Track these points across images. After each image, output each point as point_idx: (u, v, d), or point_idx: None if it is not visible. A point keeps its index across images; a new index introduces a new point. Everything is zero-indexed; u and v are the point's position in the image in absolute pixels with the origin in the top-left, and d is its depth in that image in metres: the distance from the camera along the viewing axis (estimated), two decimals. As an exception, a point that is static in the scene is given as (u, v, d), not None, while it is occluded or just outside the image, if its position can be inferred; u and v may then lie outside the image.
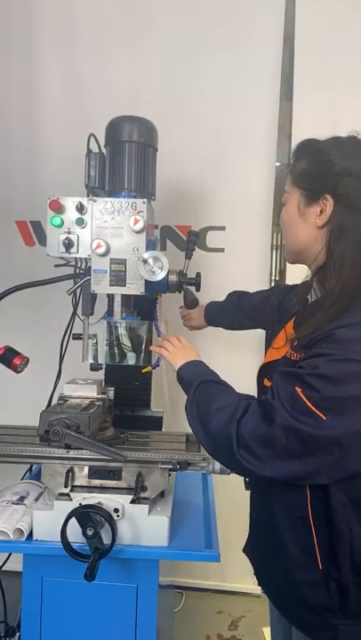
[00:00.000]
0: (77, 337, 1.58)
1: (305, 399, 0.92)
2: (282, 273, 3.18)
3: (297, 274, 1.30)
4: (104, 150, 1.53)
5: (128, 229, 1.40)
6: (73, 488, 1.36)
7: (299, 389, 0.93)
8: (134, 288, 1.42)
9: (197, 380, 1.15)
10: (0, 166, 2.39)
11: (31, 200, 2.36)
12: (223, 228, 2.34)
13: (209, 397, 1.09)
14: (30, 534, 1.35)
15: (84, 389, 1.45)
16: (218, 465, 1.34)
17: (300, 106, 2.23)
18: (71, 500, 1.34)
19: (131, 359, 1.63)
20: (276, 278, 3.24)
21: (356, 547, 1.03)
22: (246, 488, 1.28)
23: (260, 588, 2.53)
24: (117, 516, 1.31)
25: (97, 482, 1.37)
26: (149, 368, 1.61)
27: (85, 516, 1.23)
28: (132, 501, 1.33)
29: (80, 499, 1.33)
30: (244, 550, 1.32)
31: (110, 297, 1.51)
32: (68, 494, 1.35)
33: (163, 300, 1.68)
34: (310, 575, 1.07)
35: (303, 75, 2.22)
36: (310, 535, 1.06)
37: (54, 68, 2.31)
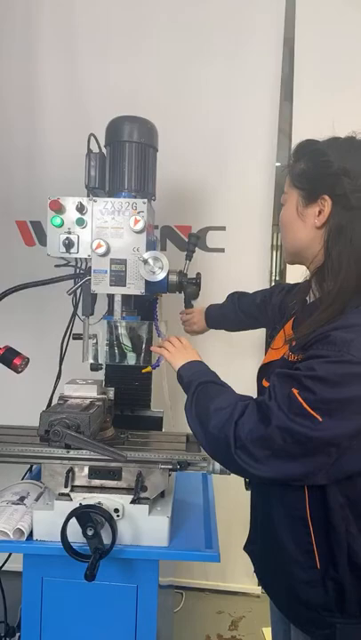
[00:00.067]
0: (77, 337, 1.58)
1: (301, 401, 0.92)
2: (282, 273, 3.18)
3: (297, 274, 1.30)
4: (104, 150, 1.54)
5: (128, 229, 1.40)
6: (73, 488, 1.36)
7: (295, 391, 0.94)
8: (134, 288, 1.42)
9: (197, 381, 1.15)
10: (0, 166, 2.39)
11: (31, 200, 2.36)
12: (223, 228, 2.34)
13: (207, 398, 1.09)
14: (30, 534, 1.35)
15: (85, 389, 1.45)
16: (218, 465, 1.34)
17: (300, 106, 2.23)
18: (71, 500, 1.34)
19: (131, 359, 1.63)
20: (277, 278, 3.24)
21: (353, 547, 1.04)
22: (246, 488, 1.28)
23: (260, 588, 2.56)
24: (117, 516, 1.31)
25: (97, 482, 1.37)
26: (149, 368, 1.61)
27: (85, 515, 1.23)
28: (133, 501, 1.33)
29: (80, 499, 1.33)
30: (244, 548, 1.33)
31: (110, 297, 1.51)
32: (68, 494, 1.35)
33: (163, 300, 1.68)
34: (308, 574, 1.07)
35: (303, 75, 2.22)
36: (308, 535, 1.07)
37: (54, 67, 2.31)
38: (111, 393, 1.52)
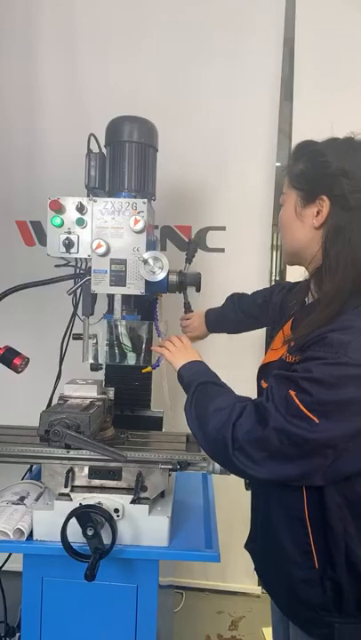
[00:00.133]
0: (77, 337, 1.58)
1: (298, 402, 0.93)
2: (282, 273, 3.18)
3: (297, 274, 1.30)
4: (104, 150, 1.54)
5: (128, 229, 1.40)
6: (73, 488, 1.36)
7: (292, 393, 0.94)
8: (134, 288, 1.42)
9: (196, 381, 1.16)
10: (0, 166, 2.39)
11: (31, 200, 2.36)
12: (223, 228, 2.34)
13: (206, 399, 1.10)
14: (30, 534, 1.35)
15: (85, 389, 1.45)
16: (218, 465, 1.34)
17: (300, 106, 2.23)
18: (71, 500, 1.34)
19: (131, 359, 1.63)
20: (277, 278, 3.24)
21: (351, 547, 1.04)
22: (247, 488, 1.28)
23: (260, 587, 2.56)
24: (117, 516, 1.31)
25: (97, 482, 1.37)
26: (149, 368, 1.61)
27: (85, 516, 1.23)
28: (133, 501, 1.33)
29: (80, 499, 1.33)
30: (245, 546, 1.33)
31: (110, 296, 1.51)
32: (68, 494, 1.35)
33: (163, 300, 1.68)
34: (307, 573, 1.08)
35: (303, 75, 2.22)
36: (307, 535, 1.07)
37: (54, 67, 2.31)
38: (111, 393, 1.52)
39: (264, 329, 2.35)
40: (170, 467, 1.35)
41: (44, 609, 1.37)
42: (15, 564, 1.54)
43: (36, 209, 2.32)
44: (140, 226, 1.38)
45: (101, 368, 1.65)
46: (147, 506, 1.34)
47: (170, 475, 1.41)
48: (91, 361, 1.60)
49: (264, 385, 1.21)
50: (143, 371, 1.62)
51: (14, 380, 1.49)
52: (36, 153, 2.36)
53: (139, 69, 2.27)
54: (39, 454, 1.37)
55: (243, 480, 1.23)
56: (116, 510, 1.31)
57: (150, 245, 1.44)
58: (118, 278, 1.41)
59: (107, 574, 1.29)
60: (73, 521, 1.23)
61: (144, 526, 1.33)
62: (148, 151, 1.50)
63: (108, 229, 1.41)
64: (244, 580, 2.52)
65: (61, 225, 1.43)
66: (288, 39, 2.22)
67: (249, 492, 1.30)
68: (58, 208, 1.41)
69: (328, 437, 0.92)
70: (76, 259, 1.51)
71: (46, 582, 1.37)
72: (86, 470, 1.36)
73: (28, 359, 1.45)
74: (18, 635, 1.68)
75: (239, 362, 2.19)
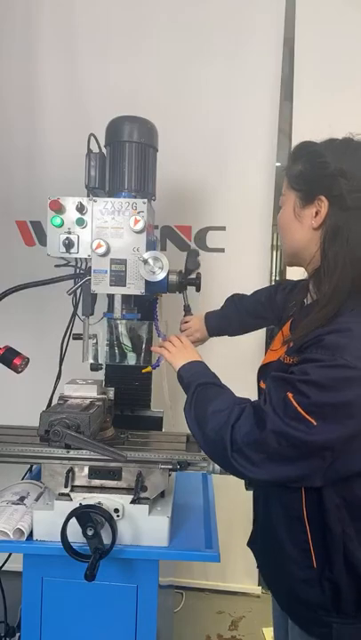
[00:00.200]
0: (77, 337, 1.58)
1: (296, 405, 0.93)
2: (282, 273, 3.18)
3: (297, 274, 1.30)
4: (104, 150, 1.54)
5: (128, 229, 1.40)
6: (73, 488, 1.36)
7: (290, 395, 0.94)
8: (134, 288, 1.42)
9: (195, 382, 1.16)
10: (0, 166, 2.40)
11: (31, 200, 2.36)
12: (223, 228, 2.34)
13: (206, 400, 1.10)
14: (30, 534, 1.35)
15: (84, 389, 1.45)
16: (218, 465, 1.34)
17: (300, 106, 2.23)
18: (71, 500, 1.34)
19: (131, 359, 1.63)
20: (276, 278, 3.25)
21: (349, 547, 1.04)
22: (247, 488, 1.29)
23: (260, 587, 2.56)
24: (117, 516, 1.31)
25: (97, 482, 1.37)
26: (149, 368, 1.61)
27: (85, 515, 1.23)
28: (133, 501, 1.33)
29: (80, 499, 1.33)
30: (248, 544, 1.34)
31: (110, 296, 1.51)
32: (68, 494, 1.35)
33: (163, 300, 1.68)
34: (305, 573, 1.08)
35: (303, 75, 2.22)
36: (305, 535, 1.07)
37: (54, 67, 2.31)
38: (111, 393, 1.52)
39: (264, 329, 2.36)
40: (170, 467, 1.35)
41: (44, 609, 1.37)
42: (15, 563, 1.54)
43: (36, 209, 2.32)
44: (140, 226, 1.38)
45: (101, 368, 1.65)
46: (147, 506, 1.34)
47: (170, 475, 1.41)
48: (91, 361, 1.60)
49: (263, 386, 1.21)
50: (143, 371, 1.62)
51: (14, 379, 1.49)
52: (36, 153, 2.36)
53: (139, 69, 2.27)
54: (39, 454, 1.37)
55: (243, 480, 1.23)
56: (116, 510, 1.31)
57: (150, 245, 1.44)
58: (118, 278, 1.41)
59: (107, 574, 1.29)
60: (73, 521, 1.23)
61: (144, 526, 1.33)
62: (148, 151, 1.50)
63: (108, 229, 1.41)
64: (244, 580, 2.52)
65: (61, 225, 1.43)
66: (288, 39, 2.22)
67: (249, 492, 1.30)
68: (58, 208, 1.41)
69: (326, 439, 0.93)
70: (76, 259, 1.51)
71: (46, 582, 1.37)
72: (86, 470, 1.36)
73: (28, 359, 1.45)
74: (18, 635, 1.68)
75: (239, 362, 2.19)
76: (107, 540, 1.25)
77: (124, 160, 1.48)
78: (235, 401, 1.08)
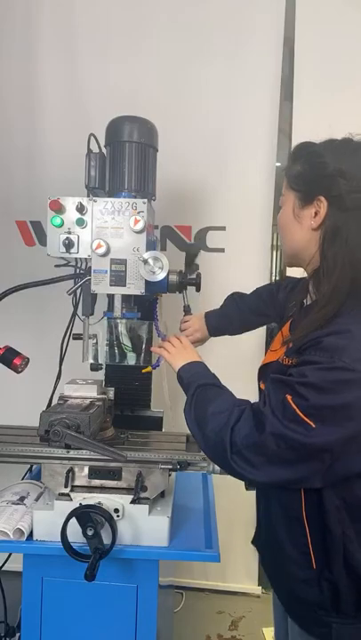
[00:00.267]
0: (77, 337, 1.58)
1: (295, 407, 0.93)
2: (282, 273, 3.18)
3: (297, 274, 1.31)
4: (104, 150, 1.54)
5: (128, 229, 1.40)
6: (73, 488, 1.36)
7: (289, 397, 0.94)
8: (134, 288, 1.42)
9: (195, 383, 1.16)
10: (0, 166, 2.39)
11: (31, 200, 2.36)
12: (223, 228, 2.35)
13: (206, 401, 1.10)
14: (30, 534, 1.35)
15: (85, 389, 1.45)
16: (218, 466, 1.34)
17: (300, 106, 2.24)
18: (71, 500, 1.34)
19: (131, 359, 1.63)
20: (276, 278, 3.24)
21: (350, 549, 1.04)
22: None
23: (260, 587, 2.56)
24: (117, 516, 1.31)
25: (97, 482, 1.37)
26: (149, 368, 1.61)
27: (85, 516, 1.23)
28: (133, 501, 1.33)
29: (80, 499, 1.33)
30: (252, 542, 1.34)
31: (110, 296, 1.51)
32: (68, 494, 1.35)
33: (163, 300, 1.68)
34: (305, 573, 1.08)
35: (303, 75, 2.22)
36: (305, 535, 1.08)
37: (54, 67, 2.31)
38: (111, 393, 1.52)
39: (264, 329, 2.36)
40: (170, 467, 1.35)
41: (44, 609, 1.37)
42: (15, 563, 1.54)
43: (36, 209, 2.32)
44: (140, 226, 1.38)
45: (101, 368, 1.65)
46: (147, 506, 1.34)
47: (170, 475, 1.41)
48: (91, 361, 1.60)
49: (262, 386, 1.21)
50: (143, 371, 1.62)
51: (14, 379, 1.49)
52: (36, 153, 2.36)
53: (139, 69, 2.27)
54: (39, 454, 1.37)
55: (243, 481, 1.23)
56: (116, 510, 1.31)
57: (150, 245, 1.44)
58: (118, 278, 1.41)
59: (107, 574, 1.29)
60: (73, 521, 1.23)
61: (144, 526, 1.33)
62: (148, 151, 1.50)
63: (108, 229, 1.41)
64: (244, 580, 2.52)
65: (61, 225, 1.43)
66: (288, 39, 2.23)
67: (249, 492, 1.30)
68: (58, 208, 1.41)
69: (325, 442, 0.93)
70: (76, 259, 1.51)
71: (46, 582, 1.37)
72: (86, 470, 1.36)
73: (28, 359, 1.45)
74: (18, 635, 1.68)
75: (239, 362, 2.19)
76: (107, 540, 1.24)
77: (124, 160, 1.48)
78: (234, 403, 1.08)
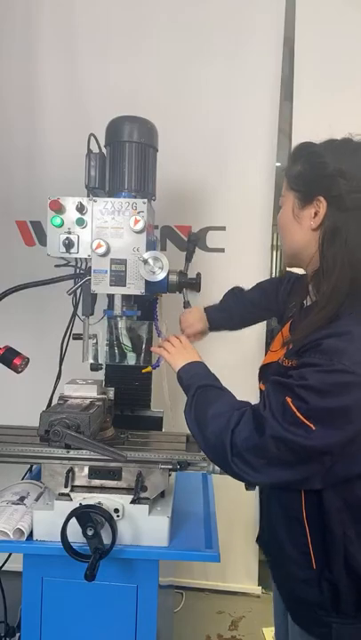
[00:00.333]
0: (77, 337, 1.58)
1: (295, 409, 0.93)
2: (282, 273, 3.18)
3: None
4: (104, 150, 1.53)
5: (128, 229, 1.40)
6: (73, 488, 1.36)
7: (289, 399, 0.95)
8: (134, 288, 1.42)
9: (195, 384, 1.16)
10: (0, 166, 2.40)
11: (31, 200, 2.36)
12: (223, 228, 2.35)
13: (206, 403, 1.10)
14: (30, 534, 1.35)
15: (85, 389, 1.45)
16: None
17: (300, 106, 2.24)
18: (71, 500, 1.34)
19: (131, 359, 1.64)
20: (277, 278, 3.25)
21: (350, 550, 1.04)
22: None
23: (260, 587, 2.55)
24: (117, 516, 1.31)
25: (97, 482, 1.36)
26: (149, 368, 1.61)
27: (85, 516, 1.23)
28: (133, 501, 1.33)
29: (80, 499, 1.33)
30: (256, 540, 1.34)
31: (110, 295, 1.51)
32: (68, 494, 1.35)
33: (163, 300, 1.68)
34: (305, 573, 1.09)
35: (303, 75, 2.22)
36: (305, 536, 1.08)
37: (54, 67, 2.31)
38: (111, 393, 1.52)
39: (264, 329, 2.36)
40: (170, 467, 1.35)
41: (44, 609, 1.37)
42: (15, 563, 1.54)
43: (36, 209, 2.32)
44: (140, 226, 1.38)
45: (101, 368, 1.65)
46: (147, 506, 1.34)
47: (170, 475, 1.41)
48: (91, 361, 1.60)
49: (262, 387, 1.21)
50: (143, 371, 1.62)
51: (14, 379, 1.49)
52: (36, 153, 2.36)
53: (139, 69, 2.27)
54: (39, 454, 1.37)
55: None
56: (116, 510, 1.31)
57: (150, 245, 1.44)
58: (118, 278, 1.41)
59: (107, 574, 1.29)
60: (73, 521, 1.23)
61: (144, 526, 1.33)
62: (148, 151, 1.50)
63: (108, 229, 1.41)
64: (244, 580, 2.52)
65: (61, 225, 1.43)
66: (288, 39, 2.23)
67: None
68: (58, 208, 1.41)
69: (325, 444, 0.93)
70: (76, 259, 1.51)
71: (46, 582, 1.37)
72: (86, 470, 1.36)
73: (28, 359, 1.45)
74: (18, 635, 1.68)
75: (239, 363, 2.19)
76: (107, 540, 1.24)
77: (124, 160, 1.48)
78: (234, 405, 1.08)
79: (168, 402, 1.75)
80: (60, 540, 1.23)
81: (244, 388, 1.23)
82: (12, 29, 2.32)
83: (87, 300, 1.49)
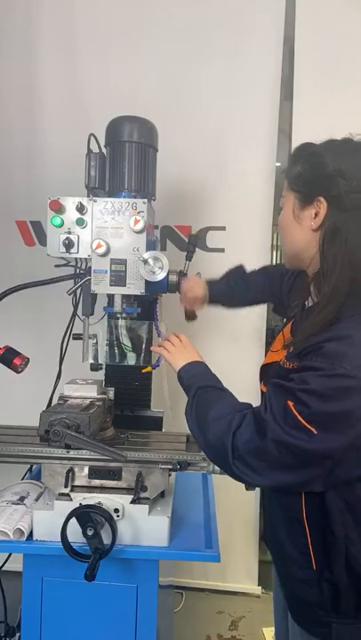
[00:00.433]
0: (77, 337, 1.58)
1: (296, 413, 0.93)
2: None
3: (297, 274, 1.30)
4: (104, 150, 1.53)
5: (128, 229, 1.40)
6: (73, 488, 1.36)
7: (290, 403, 0.95)
8: (134, 288, 1.42)
9: (196, 385, 1.16)
10: (0, 166, 2.39)
11: (31, 200, 2.36)
12: (223, 228, 2.35)
13: (207, 404, 1.10)
14: (30, 534, 1.35)
15: (85, 389, 1.45)
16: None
17: (300, 106, 2.23)
18: (71, 500, 1.34)
19: (131, 359, 1.63)
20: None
21: (351, 551, 1.04)
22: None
23: (260, 588, 2.55)
24: (117, 516, 1.31)
25: (97, 482, 1.36)
26: (149, 368, 1.61)
27: (85, 516, 1.23)
28: (133, 501, 1.33)
29: (80, 499, 1.33)
30: (262, 538, 1.34)
31: (110, 295, 1.51)
32: (68, 494, 1.35)
33: (163, 300, 1.68)
34: (305, 573, 1.09)
35: (303, 75, 2.22)
36: (304, 537, 1.08)
37: (54, 67, 2.31)
38: (111, 393, 1.52)
39: (264, 329, 2.36)
40: (170, 467, 1.35)
41: (44, 609, 1.37)
42: (15, 563, 1.54)
43: (36, 209, 2.32)
44: (140, 226, 1.38)
45: (101, 368, 1.65)
46: (147, 506, 1.34)
47: (170, 475, 1.41)
48: (91, 361, 1.60)
49: (263, 388, 1.21)
50: (143, 371, 1.62)
51: (14, 379, 1.49)
52: (36, 153, 2.36)
53: (139, 69, 2.27)
54: (39, 454, 1.37)
55: (243, 482, 1.24)
56: (116, 510, 1.31)
57: (150, 245, 1.44)
58: (118, 278, 1.41)
59: (107, 574, 1.29)
60: (73, 521, 1.23)
61: (144, 526, 1.33)
62: (148, 151, 1.50)
63: (108, 229, 1.41)
64: (244, 580, 2.52)
65: (61, 225, 1.43)
66: (288, 39, 2.23)
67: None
68: (58, 208, 1.41)
69: (326, 448, 0.93)
70: (76, 259, 1.51)
71: (46, 582, 1.37)
72: (86, 470, 1.36)
73: (28, 359, 1.45)
74: (18, 635, 1.68)
75: (240, 362, 2.19)
76: (107, 540, 1.24)
77: (124, 160, 1.48)
78: (236, 407, 1.08)
79: (168, 402, 1.76)
80: (60, 540, 1.23)
81: (245, 387, 1.23)
82: (12, 29, 2.32)
83: (87, 299, 1.49)
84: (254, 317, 2.34)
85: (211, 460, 1.13)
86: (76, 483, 1.37)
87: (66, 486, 1.35)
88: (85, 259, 1.47)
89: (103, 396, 1.45)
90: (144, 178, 1.50)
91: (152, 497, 1.36)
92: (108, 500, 1.32)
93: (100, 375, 1.67)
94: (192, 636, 2.27)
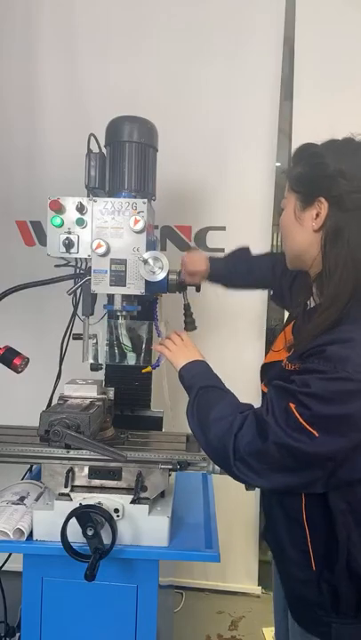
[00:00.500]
0: (77, 337, 1.58)
1: (298, 416, 0.93)
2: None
3: (297, 274, 1.30)
4: (104, 150, 1.53)
5: (128, 229, 1.40)
6: (73, 488, 1.36)
7: (292, 405, 0.95)
8: (134, 288, 1.42)
9: (197, 385, 1.16)
10: (0, 166, 2.39)
11: (31, 200, 2.36)
12: (223, 228, 2.34)
13: (208, 405, 1.10)
14: (30, 534, 1.35)
15: (84, 389, 1.45)
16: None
17: (300, 106, 2.23)
18: (71, 500, 1.34)
19: (131, 359, 1.63)
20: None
21: (353, 552, 1.04)
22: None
23: (260, 588, 2.55)
24: (117, 516, 1.31)
25: (97, 482, 1.36)
26: (149, 368, 1.61)
27: (85, 516, 1.23)
28: (133, 501, 1.33)
29: (80, 499, 1.33)
30: (263, 536, 1.34)
31: (110, 295, 1.50)
32: (68, 494, 1.35)
33: (163, 300, 1.68)
34: (305, 573, 1.09)
35: (303, 75, 2.22)
36: (304, 537, 1.08)
37: (54, 67, 2.31)
38: (111, 393, 1.52)
39: (264, 329, 2.36)
40: (170, 467, 1.35)
41: (44, 609, 1.37)
42: (15, 563, 1.54)
43: (36, 209, 2.32)
44: (140, 226, 1.38)
45: (101, 368, 1.65)
46: (147, 506, 1.34)
47: (170, 475, 1.41)
48: (91, 361, 1.60)
49: (263, 389, 1.21)
50: (143, 371, 1.62)
51: (14, 379, 1.49)
52: (36, 153, 2.36)
53: (139, 69, 2.27)
54: (39, 454, 1.37)
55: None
56: (116, 510, 1.31)
57: (150, 245, 1.44)
58: (118, 278, 1.41)
59: (107, 574, 1.29)
60: (73, 521, 1.23)
61: (144, 526, 1.33)
62: (148, 151, 1.50)
63: (108, 229, 1.41)
64: (244, 580, 2.52)
65: (61, 225, 1.43)
66: (288, 39, 2.22)
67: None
68: (58, 208, 1.41)
69: (328, 451, 0.93)
70: (76, 259, 1.51)
71: (46, 582, 1.37)
72: (86, 470, 1.36)
73: (28, 359, 1.45)
74: (18, 635, 1.68)
75: (240, 361, 2.19)
76: (107, 540, 1.24)
77: (124, 160, 1.48)
78: (237, 408, 1.08)
79: (168, 402, 1.76)
80: (60, 540, 1.23)
81: (246, 387, 1.23)
82: (12, 29, 2.32)
83: (87, 299, 1.49)
84: (254, 316, 2.34)
85: (212, 460, 1.13)
86: (76, 483, 1.37)
87: (66, 486, 1.35)
88: (85, 259, 1.47)
89: (103, 396, 1.45)
90: (144, 178, 1.50)
91: (152, 497, 1.36)
92: (108, 500, 1.32)
93: (100, 375, 1.67)
94: (192, 636, 2.27)
